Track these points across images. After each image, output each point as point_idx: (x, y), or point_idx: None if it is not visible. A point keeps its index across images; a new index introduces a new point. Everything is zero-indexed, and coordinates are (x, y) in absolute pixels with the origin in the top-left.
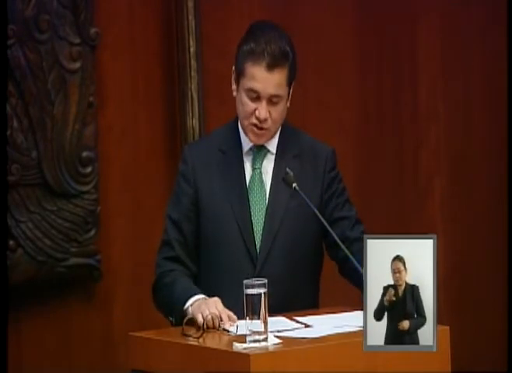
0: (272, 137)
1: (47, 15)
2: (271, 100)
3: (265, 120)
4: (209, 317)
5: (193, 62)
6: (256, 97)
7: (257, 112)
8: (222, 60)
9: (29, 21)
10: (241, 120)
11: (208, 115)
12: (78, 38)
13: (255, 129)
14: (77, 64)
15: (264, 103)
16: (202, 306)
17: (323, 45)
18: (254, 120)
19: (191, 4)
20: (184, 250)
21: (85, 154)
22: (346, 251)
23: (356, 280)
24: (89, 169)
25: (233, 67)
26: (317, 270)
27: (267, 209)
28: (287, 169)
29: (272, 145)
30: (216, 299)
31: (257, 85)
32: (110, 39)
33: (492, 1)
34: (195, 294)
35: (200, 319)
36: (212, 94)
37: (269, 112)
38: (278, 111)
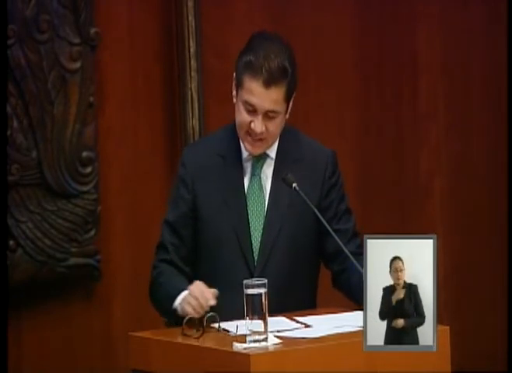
0: (270, 146)
1: (47, 15)
2: (268, 115)
3: (261, 133)
4: (197, 305)
5: (193, 62)
6: (252, 110)
7: (252, 124)
8: (222, 60)
9: (29, 21)
10: (238, 128)
11: (208, 115)
12: (78, 38)
13: (250, 139)
14: (77, 64)
15: (260, 117)
16: (187, 297)
17: (323, 45)
18: (250, 132)
19: (191, 4)
20: (178, 254)
21: (85, 154)
22: (344, 249)
23: (349, 292)
24: (89, 169)
25: (234, 74)
26: (314, 276)
27: (266, 215)
28: (288, 175)
29: (272, 150)
30: (197, 283)
31: (253, 100)
32: (110, 39)
33: (492, 1)
34: (183, 289)
35: (190, 311)
36: (212, 94)
37: (265, 125)
38: (275, 125)
